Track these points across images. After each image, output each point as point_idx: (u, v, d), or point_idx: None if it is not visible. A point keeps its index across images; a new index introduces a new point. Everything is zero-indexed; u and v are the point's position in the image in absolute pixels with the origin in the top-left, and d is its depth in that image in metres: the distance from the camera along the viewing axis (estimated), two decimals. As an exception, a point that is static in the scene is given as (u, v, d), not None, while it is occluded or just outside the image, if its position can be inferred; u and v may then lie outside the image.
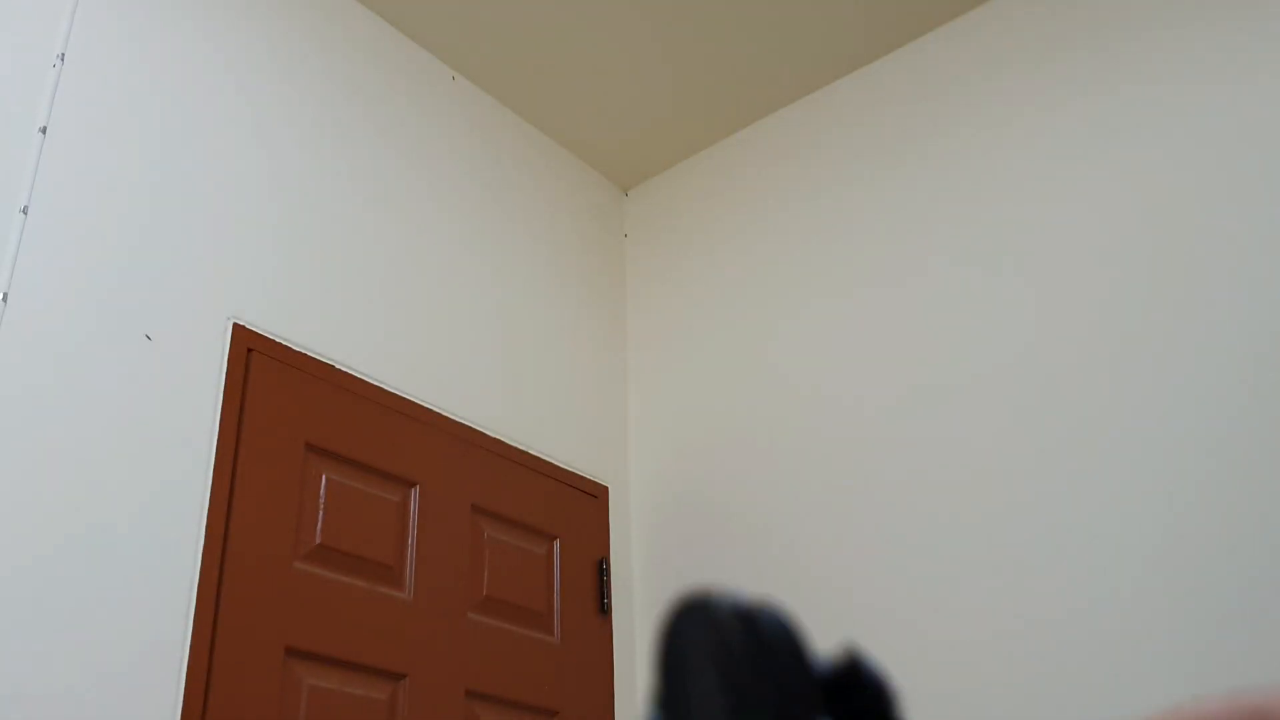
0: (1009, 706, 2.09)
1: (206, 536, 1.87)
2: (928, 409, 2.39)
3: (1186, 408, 2.06)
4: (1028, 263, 2.35)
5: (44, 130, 1.90)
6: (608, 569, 2.69)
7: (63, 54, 1.97)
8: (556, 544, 2.58)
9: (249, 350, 2.07)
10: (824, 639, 2.37)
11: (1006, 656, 2.12)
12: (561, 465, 2.67)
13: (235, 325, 2.06)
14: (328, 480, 2.12)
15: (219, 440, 1.95)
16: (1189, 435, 2.04)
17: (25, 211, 1.83)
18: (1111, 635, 2.01)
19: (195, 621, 1.81)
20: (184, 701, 1.75)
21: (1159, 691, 1.92)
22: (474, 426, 2.47)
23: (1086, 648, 2.03)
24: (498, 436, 2.52)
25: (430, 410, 2.38)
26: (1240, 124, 2.17)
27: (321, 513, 2.09)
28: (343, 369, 2.23)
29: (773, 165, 2.91)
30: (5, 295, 1.76)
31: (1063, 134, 2.40)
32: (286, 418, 2.09)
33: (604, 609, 2.64)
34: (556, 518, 2.61)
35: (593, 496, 2.73)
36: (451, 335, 2.52)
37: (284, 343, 2.14)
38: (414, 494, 2.29)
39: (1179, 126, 2.24)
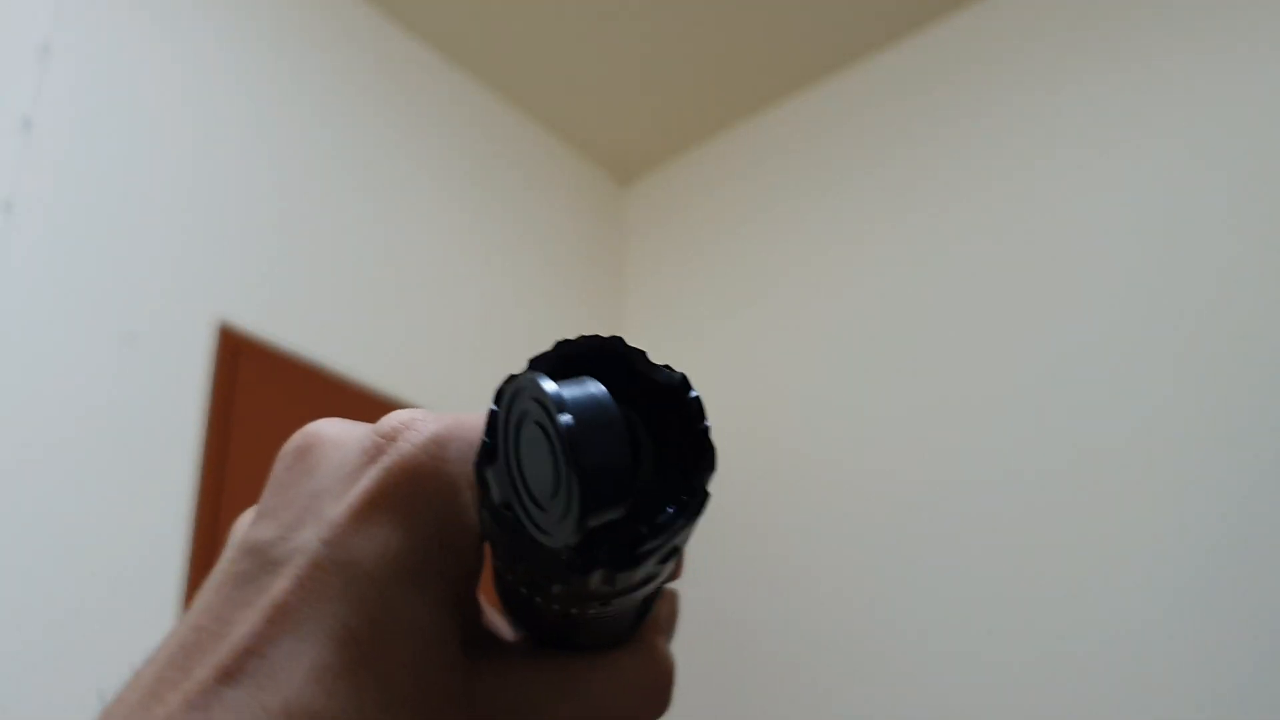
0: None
1: (194, 545, 1.83)
2: (940, 409, 2.35)
3: (1214, 417, 2.02)
4: (1047, 259, 2.32)
5: (27, 123, 1.85)
6: (605, 574, 2.64)
7: (47, 45, 1.92)
8: (553, 549, 2.54)
9: (236, 352, 2.02)
10: (837, 646, 2.34)
11: (1021, 667, 2.09)
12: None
13: (222, 326, 2.01)
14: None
15: (206, 446, 1.90)
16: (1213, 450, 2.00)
17: (8, 207, 1.78)
18: (1132, 670, 1.98)
19: (180, 631, 1.76)
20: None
21: None
22: (469, 429, 2.42)
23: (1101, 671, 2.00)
24: (493, 439, 2.47)
25: (424, 412, 2.33)
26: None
27: (312, 518, 2.04)
28: (331, 370, 2.17)
29: (779, 157, 2.86)
30: (-17, 295, 1.71)
31: (1089, 126, 2.36)
32: (275, 422, 2.03)
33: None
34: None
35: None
36: (444, 335, 2.47)
37: (272, 344, 2.09)
38: (407, 499, 2.24)
39: (1205, 116, 2.21)
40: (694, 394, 0.26)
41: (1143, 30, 2.33)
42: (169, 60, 2.12)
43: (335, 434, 0.28)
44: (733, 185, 2.93)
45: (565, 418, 0.23)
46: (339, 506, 0.26)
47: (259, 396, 2.03)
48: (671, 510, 0.25)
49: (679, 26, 2.69)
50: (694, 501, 0.25)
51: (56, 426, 1.73)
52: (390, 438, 0.27)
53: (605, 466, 0.23)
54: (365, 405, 2.22)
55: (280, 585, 0.25)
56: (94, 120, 1.96)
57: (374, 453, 0.27)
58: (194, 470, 1.88)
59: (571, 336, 0.27)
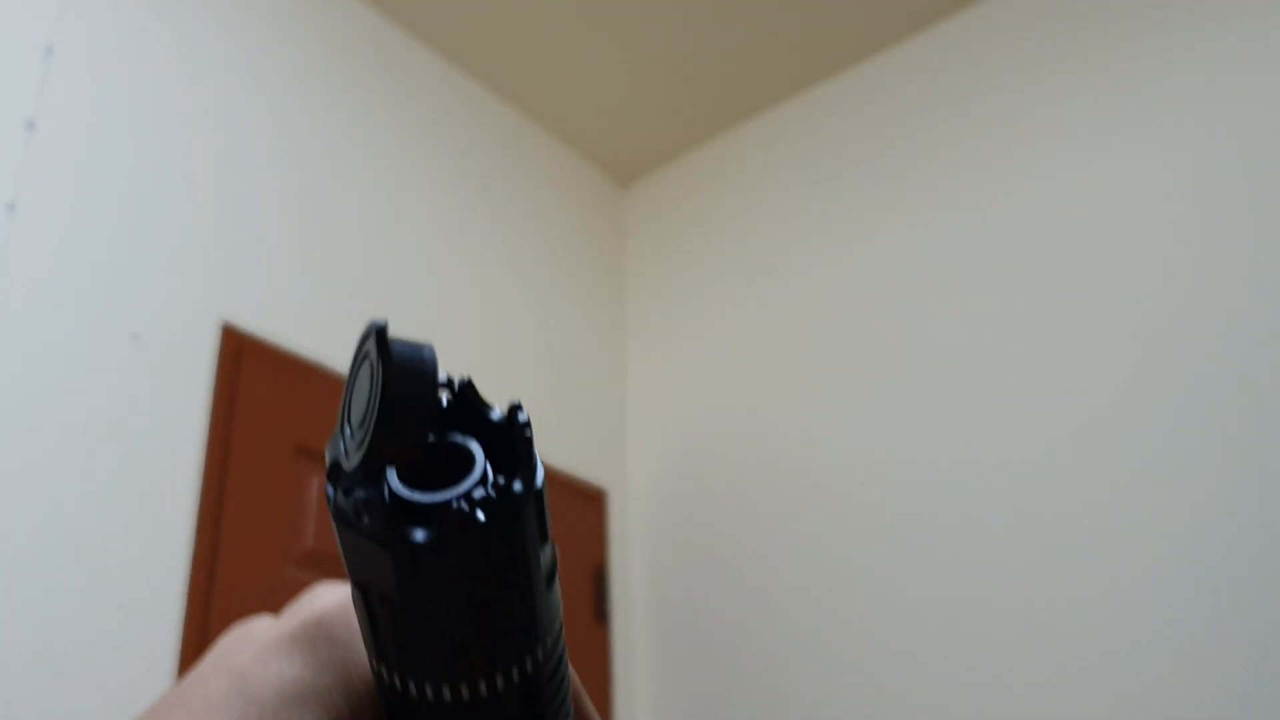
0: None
1: (196, 541, 1.84)
2: (938, 408, 2.36)
3: (1203, 420, 2.02)
4: (1051, 264, 2.32)
5: (31, 124, 1.86)
6: (607, 575, 2.65)
7: (51, 46, 1.93)
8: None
9: (239, 351, 2.03)
10: (839, 649, 2.34)
11: (1020, 677, 2.09)
12: (558, 468, 2.63)
13: (225, 326, 2.02)
14: (319, 484, 2.08)
15: (208, 443, 1.92)
16: (1209, 452, 2.01)
17: (12, 208, 1.79)
18: (1133, 685, 1.98)
19: (184, 629, 1.77)
20: (171, 711, 1.71)
21: None
22: (470, 428, 2.42)
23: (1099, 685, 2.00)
24: (494, 439, 2.48)
25: (425, 412, 2.33)
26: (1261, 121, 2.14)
27: (313, 517, 2.05)
28: (334, 370, 2.18)
29: (778, 158, 2.87)
30: (-12, 295, 1.72)
31: (1081, 127, 2.36)
32: (277, 420, 2.05)
33: (602, 616, 2.60)
34: (553, 522, 2.55)
35: (591, 500, 2.70)
36: (445, 335, 2.48)
37: (274, 344, 2.10)
38: (408, 498, 2.24)
39: (1217, 113, 2.21)
40: (523, 418, 0.29)
41: (1147, 28, 2.34)
42: (172, 62, 2.13)
43: (265, 620, 0.32)
44: (732, 186, 2.94)
45: (386, 345, 0.27)
46: (252, 649, 0.29)
47: (262, 395, 2.04)
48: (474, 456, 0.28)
49: (679, 28, 2.70)
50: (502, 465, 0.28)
51: (61, 426, 1.74)
52: (309, 597, 0.31)
53: (407, 383, 0.27)
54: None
55: (179, 714, 0.28)
56: (97, 121, 1.97)
57: (293, 609, 0.31)
58: (198, 468, 1.89)
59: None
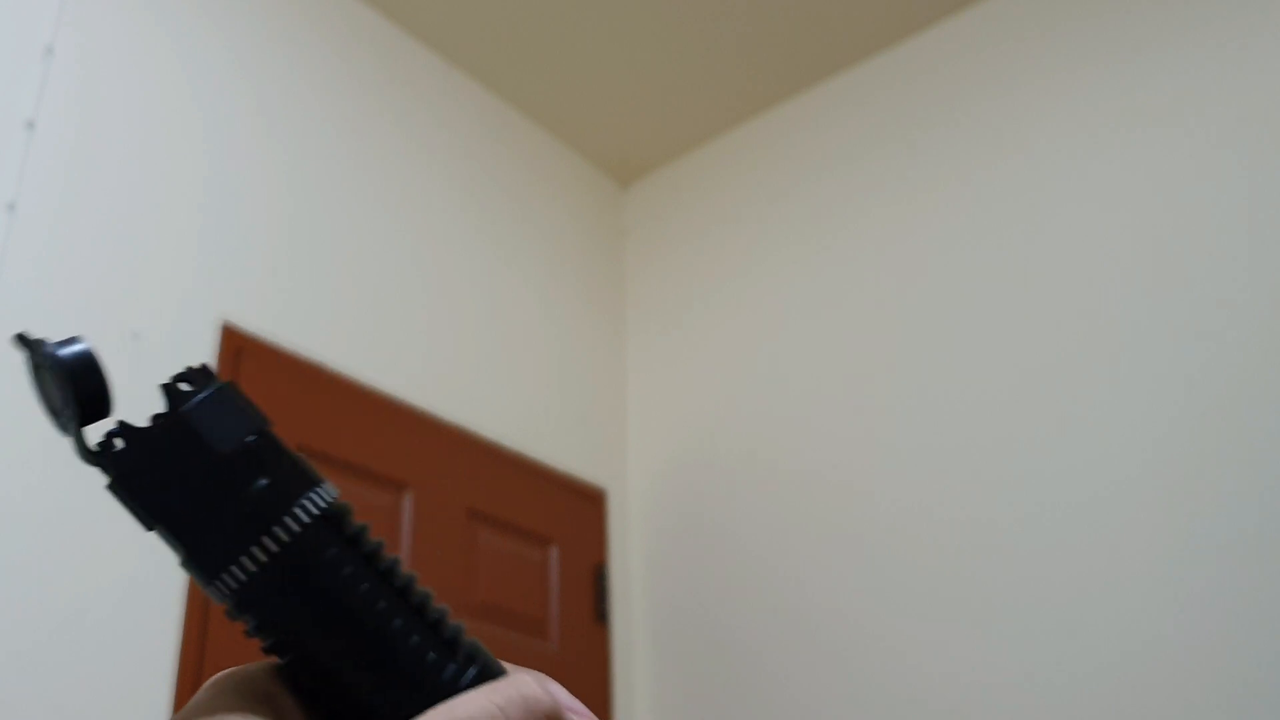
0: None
1: (194, 542, 1.84)
2: (938, 409, 2.36)
3: (1209, 422, 2.02)
4: (1054, 264, 2.32)
5: (31, 125, 1.86)
6: (606, 575, 2.65)
7: (51, 46, 1.93)
8: (554, 549, 2.55)
9: (238, 351, 2.03)
10: (839, 649, 2.34)
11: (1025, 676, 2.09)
12: (558, 469, 2.63)
13: (225, 326, 2.02)
14: (320, 484, 2.08)
15: (208, 443, 1.91)
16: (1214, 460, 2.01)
17: (12, 208, 1.79)
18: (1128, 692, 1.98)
19: (184, 629, 1.77)
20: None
21: None
22: (468, 429, 2.43)
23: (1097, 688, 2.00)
24: (493, 439, 2.48)
25: (423, 412, 2.34)
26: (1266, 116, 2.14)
27: (313, 517, 2.05)
28: (333, 370, 2.19)
29: (779, 158, 2.87)
30: (-12, 295, 1.72)
31: (1083, 127, 2.36)
32: (277, 420, 2.04)
33: (601, 615, 2.60)
34: (553, 522, 2.57)
35: (591, 500, 2.70)
36: (445, 336, 2.48)
37: (274, 344, 2.10)
38: (407, 498, 2.25)
39: (1204, 120, 2.21)
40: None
41: (1154, 26, 2.34)
42: (172, 62, 2.13)
43: None
44: (732, 186, 2.94)
45: (60, 352, 0.37)
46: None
47: (261, 395, 2.04)
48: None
49: (679, 28, 2.70)
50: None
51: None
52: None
53: (85, 373, 0.37)
54: (364, 404, 2.23)
55: None
56: (97, 122, 1.97)
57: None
58: (196, 469, 1.89)
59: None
